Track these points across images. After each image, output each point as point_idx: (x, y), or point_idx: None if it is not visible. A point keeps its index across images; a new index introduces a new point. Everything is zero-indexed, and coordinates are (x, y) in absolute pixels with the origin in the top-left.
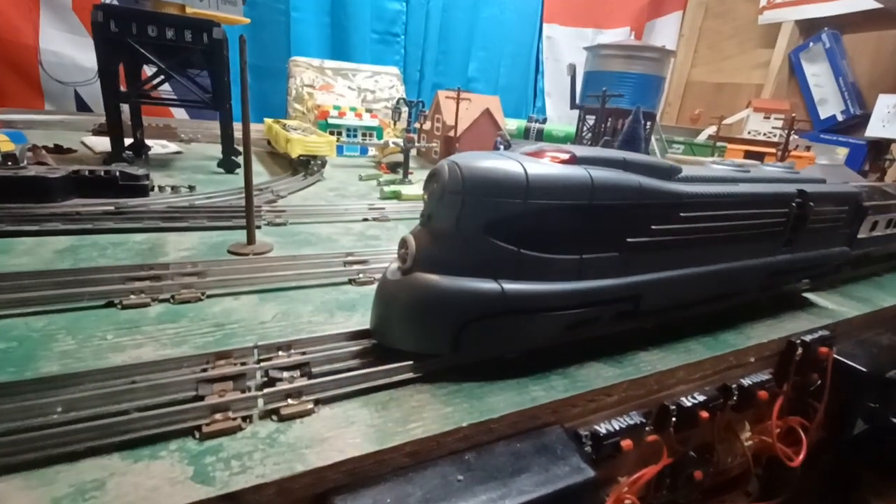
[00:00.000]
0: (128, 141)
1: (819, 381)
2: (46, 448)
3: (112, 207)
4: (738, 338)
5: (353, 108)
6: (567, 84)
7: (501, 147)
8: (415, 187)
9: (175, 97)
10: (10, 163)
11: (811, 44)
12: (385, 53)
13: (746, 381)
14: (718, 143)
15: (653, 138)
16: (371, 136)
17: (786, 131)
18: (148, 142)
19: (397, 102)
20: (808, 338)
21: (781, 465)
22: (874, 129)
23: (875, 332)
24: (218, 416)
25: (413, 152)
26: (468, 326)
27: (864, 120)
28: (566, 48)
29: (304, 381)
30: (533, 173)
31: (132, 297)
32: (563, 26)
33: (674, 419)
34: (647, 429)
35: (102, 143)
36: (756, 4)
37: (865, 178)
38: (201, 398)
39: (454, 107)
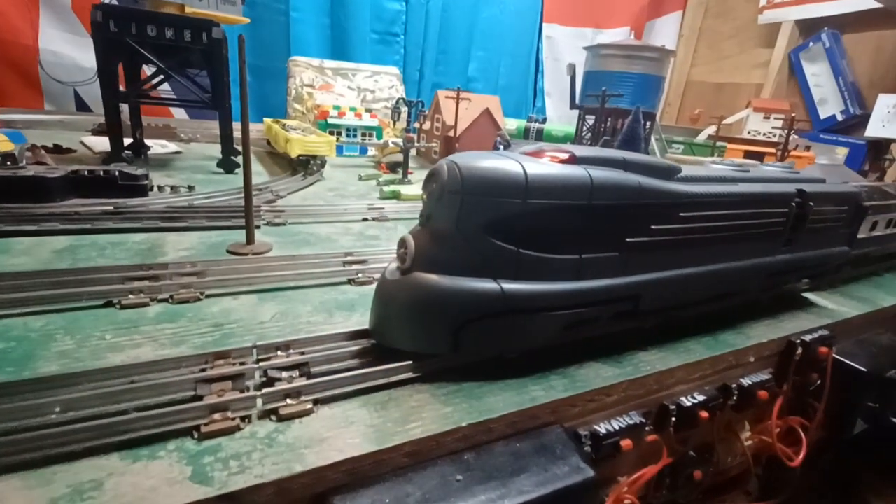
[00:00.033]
0: (127, 141)
1: (819, 381)
2: (44, 448)
3: (111, 207)
4: (737, 338)
5: (352, 108)
6: (567, 84)
7: (501, 147)
8: (414, 187)
9: (174, 97)
10: (9, 162)
11: (811, 43)
12: (385, 53)
13: (746, 381)
14: (718, 143)
15: (652, 138)
16: (371, 135)
17: (785, 131)
18: (147, 142)
19: (397, 102)
20: (807, 337)
21: (781, 464)
22: (874, 129)
23: (875, 331)
24: (216, 416)
25: (413, 152)
26: (467, 326)
27: (863, 120)
28: (566, 48)
29: (302, 381)
30: (532, 173)
31: (131, 296)
32: (563, 26)
33: (673, 419)
34: (646, 429)
35: (102, 143)
36: (756, 4)
37: (865, 178)
38: (200, 398)
39: (454, 107)
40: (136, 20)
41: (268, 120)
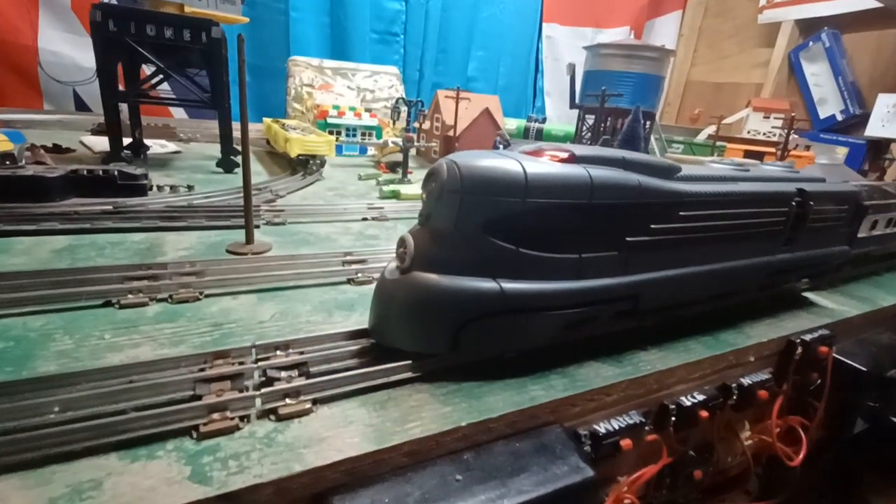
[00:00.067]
0: (126, 140)
1: (819, 381)
2: (43, 448)
3: (110, 207)
4: (737, 337)
5: (352, 108)
6: (567, 83)
7: (501, 146)
8: (414, 187)
9: (174, 97)
10: (8, 162)
11: (811, 43)
12: (384, 53)
13: (746, 381)
14: (718, 143)
15: (652, 138)
16: (370, 135)
17: (785, 131)
18: (147, 141)
19: (396, 102)
20: (808, 337)
21: (781, 464)
22: (874, 129)
23: (875, 331)
24: (215, 415)
25: (412, 152)
26: (467, 326)
27: (863, 119)
28: (566, 47)
29: (302, 381)
30: (532, 172)
31: (130, 296)
32: (563, 26)
33: (673, 418)
34: (646, 428)
35: (101, 143)
36: (756, 4)
37: (865, 178)
38: (199, 398)
39: (453, 106)
40: (135, 20)
41: (267, 120)
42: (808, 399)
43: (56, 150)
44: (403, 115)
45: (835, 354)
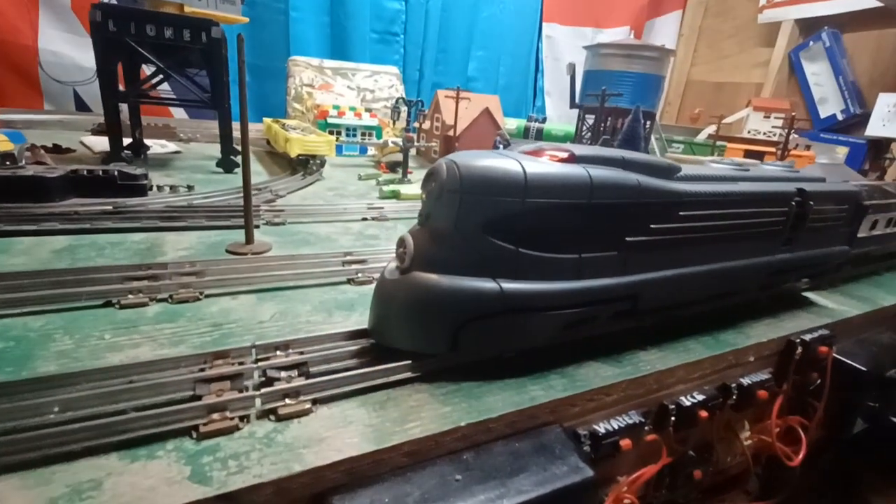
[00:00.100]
0: (127, 140)
1: (819, 381)
2: (43, 448)
3: (110, 207)
4: (737, 337)
5: (352, 108)
6: (567, 83)
7: (501, 146)
8: (414, 187)
9: (174, 97)
10: (8, 162)
11: (811, 43)
12: (384, 53)
13: (746, 381)
14: (718, 143)
15: (652, 137)
16: (370, 135)
17: (785, 130)
18: (147, 141)
19: (396, 102)
20: (807, 337)
21: (781, 464)
22: (874, 128)
23: (875, 330)
24: (215, 415)
25: (412, 152)
26: (466, 326)
27: (864, 119)
28: (566, 47)
29: (301, 381)
30: (531, 172)
31: (130, 296)
32: (563, 25)
33: (673, 418)
34: (646, 428)
35: (101, 143)
36: (756, 3)
37: (865, 177)
38: (199, 398)
39: (453, 106)
40: (135, 20)
41: (267, 120)
42: (808, 399)
43: (56, 150)
44: (403, 115)
45: (835, 354)
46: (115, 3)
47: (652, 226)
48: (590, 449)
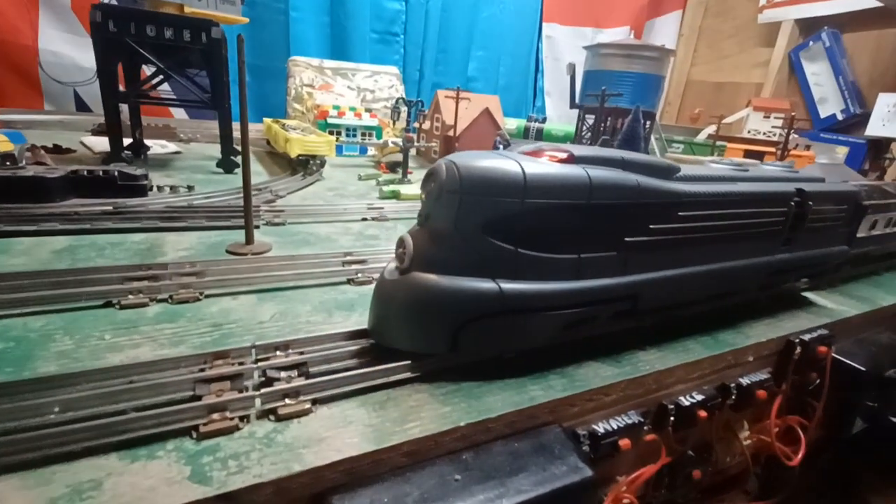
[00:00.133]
0: (127, 141)
1: (818, 380)
2: (43, 448)
3: (110, 207)
4: (736, 337)
5: (352, 108)
6: (567, 83)
7: (501, 146)
8: (414, 187)
9: (174, 97)
10: (8, 163)
11: (811, 43)
12: (384, 53)
13: (745, 381)
14: (718, 143)
15: (652, 137)
16: (370, 135)
17: (785, 130)
18: (147, 142)
19: (396, 102)
20: (806, 337)
21: (780, 464)
22: (874, 128)
23: (874, 330)
24: (215, 415)
25: (412, 152)
26: (466, 326)
27: (864, 119)
28: (566, 47)
29: (301, 381)
30: (531, 173)
31: (130, 297)
32: (563, 25)
33: (672, 418)
34: (645, 428)
35: (101, 143)
36: (756, 3)
37: (865, 177)
38: (199, 398)
39: (453, 106)
40: (135, 20)
41: (267, 120)
42: (807, 399)
43: (56, 150)
44: (403, 115)
45: (834, 354)
46: (116, 3)
47: (651, 226)
48: (589, 449)
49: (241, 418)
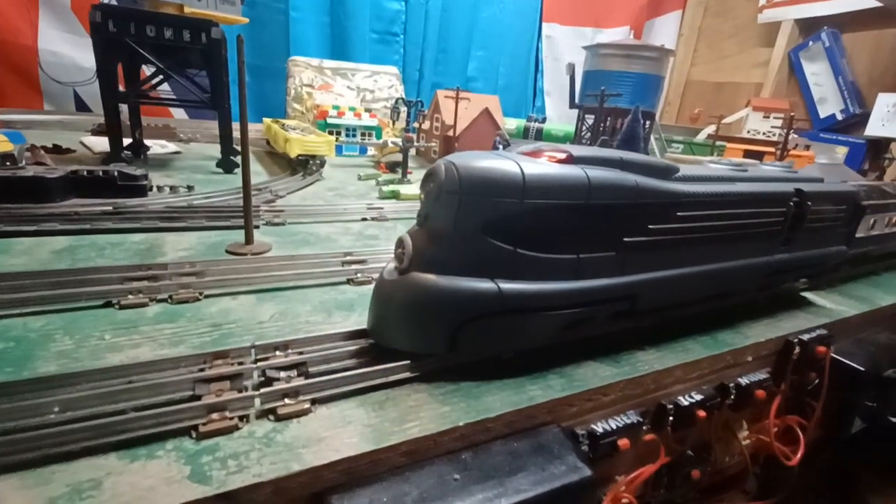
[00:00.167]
0: (127, 141)
1: (817, 380)
2: (43, 448)
3: (110, 207)
4: (735, 337)
5: (352, 108)
6: (566, 83)
7: (500, 146)
8: (413, 187)
9: (174, 97)
10: (8, 163)
11: (811, 42)
12: (384, 53)
13: (744, 381)
14: (718, 143)
15: (652, 137)
16: (370, 135)
17: (785, 130)
18: (147, 142)
19: (396, 102)
20: (805, 337)
21: (779, 463)
22: (874, 128)
23: (873, 330)
24: (215, 415)
25: (412, 152)
26: (465, 326)
27: (863, 119)
28: (565, 47)
29: (301, 381)
30: (529, 173)
31: (130, 297)
32: (563, 25)
33: (671, 418)
34: (644, 428)
35: (101, 144)
36: (755, 3)
37: (865, 177)
38: (198, 398)
39: (453, 106)
40: (135, 20)
41: (267, 120)
42: (806, 399)
43: (56, 150)
44: (403, 115)
45: (833, 354)
46: (115, 3)
47: (650, 226)
48: (588, 448)
49: (241, 418)
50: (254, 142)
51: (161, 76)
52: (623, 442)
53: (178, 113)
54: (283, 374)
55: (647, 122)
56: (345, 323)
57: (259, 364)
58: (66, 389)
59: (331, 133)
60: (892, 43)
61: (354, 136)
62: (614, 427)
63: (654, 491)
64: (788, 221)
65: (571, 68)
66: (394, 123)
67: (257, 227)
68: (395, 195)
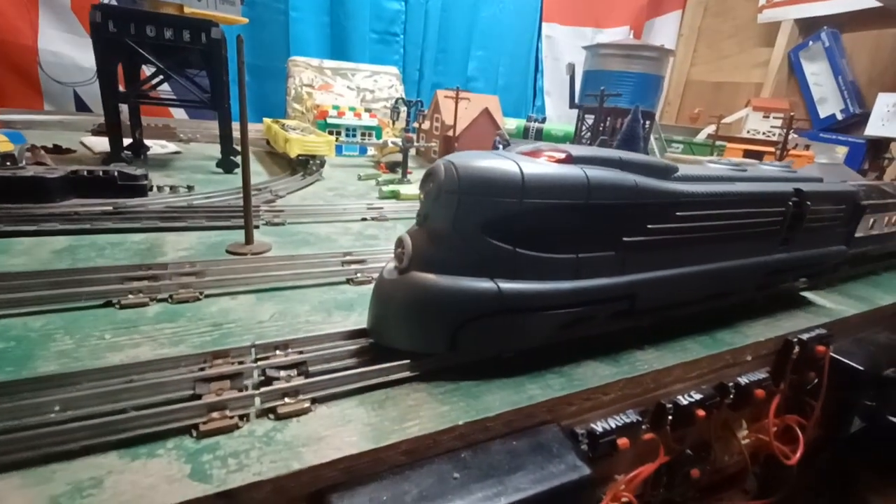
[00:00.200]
0: (127, 141)
1: (816, 380)
2: (44, 446)
3: (110, 207)
4: (735, 336)
5: (352, 108)
6: (566, 83)
7: (500, 146)
8: (413, 187)
9: (174, 97)
10: (8, 163)
11: (810, 42)
12: (384, 53)
13: (743, 380)
14: (717, 143)
15: (652, 137)
16: (370, 135)
17: (785, 130)
18: (147, 142)
19: (396, 102)
20: (805, 336)
21: (779, 463)
22: (873, 128)
23: (872, 330)
24: (215, 414)
25: (412, 152)
26: (465, 326)
27: (863, 118)
28: (565, 47)
29: (300, 380)
30: (529, 173)
31: (130, 296)
32: (563, 25)
33: (670, 417)
34: (643, 427)
35: (101, 144)
36: (755, 3)
37: (865, 177)
38: (198, 397)
39: (453, 106)
40: (135, 20)
41: (267, 120)
42: (806, 398)
43: (56, 150)
44: (403, 115)
45: (832, 354)
46: (116, 3)
47: (649, 226)
48: (587, 447)
49: (241, 417)
50: (254, 142)
51: (161, 76)
52: (622, 441)
53: (178, 113)
54: (283, 373)
55: (647, 122)
56: (344, 322)
57: (259, 363)
58: (66, 388)
59: (331, 133)
60: (892, 43)
61: (354, 136)
62: (613, 426)
63: (654, 490)
64: (787, 221)
65: (571, 68)
66: (394, 123)
67: (257, 227)
68: (394, 195)
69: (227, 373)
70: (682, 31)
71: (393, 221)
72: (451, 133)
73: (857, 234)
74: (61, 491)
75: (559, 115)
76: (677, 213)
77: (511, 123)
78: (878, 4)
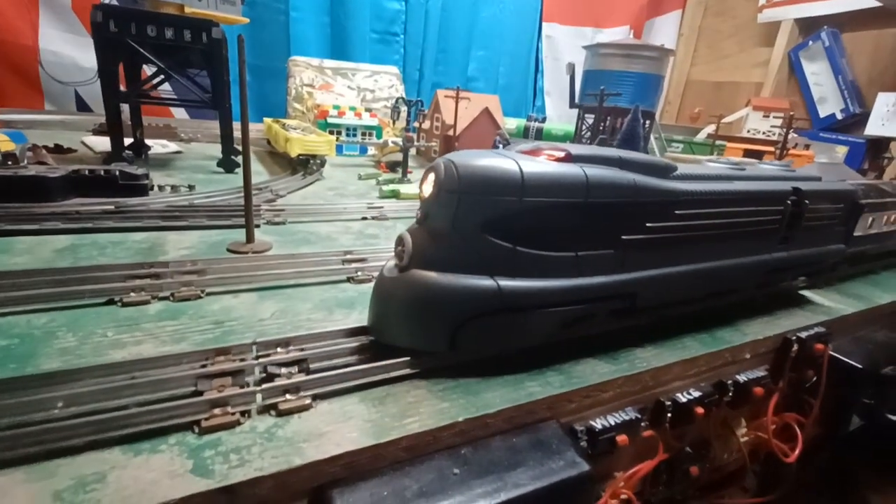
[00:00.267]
0: (128, 140)
1: (815, 378)
2: (47, 442)
3: (112, 207)
4: (733, 334)
5: (352, 108)
6: (566, 83)
7: (500, 146)
8: (413, 186)
9: (175, 97)
10: (10, 162)
11: (810, 42)
12: (384, 53)
13: (742, 378)
14: (718, 142)
15: (652, 137)
16: (370, 135)
17: (785, 130)
18: (148, 141)
19: (396, 102)
20: (803, 334)
21: (777, 461)
22: (873, 128)
23: (871, 328)
24: (217, 410)
25: (412, 151)
26: (464, 324)
27: (863, 118)
28: (566, 47)
29: (302, 377)
30: (528, 171)
31: (132, 294)
32: (563, 25)
33: (669, 415)
34: (642, 424)
35: (102, 143)
36: (755, 3)
37: (864, 177)
38: (200, 393)
39: (453, 106)
40: (135, 20)
41: (268, 119)
42: (804, 396)
43: (57, 150)
44: (403, 114)
45: (831, 352)
46: (116, 3)
47: (648, 224)
48: (587, 444)
49: (243, 413)
50: (254, 141)
51: (162, 76)
52: (622, 438)
53: (179, 113)
54: (284, 370)
55: (647, 122)
56: (345, 320)
57: (260, 360)
58: (69, 385)
59: (331, 133)
60: (892, 43)
61: (355, 135)
62: (613, 423)
63: (653, 487)
64: (786, 220)
65: (571, 68)
66: (394, 123)
67: (258, 226)
68: (395, 194)
69: (229, 370)
70: (682, 31)
71: (393, 220)
72: (451, 133)
73: (855, 233)
74: (65, 486)
75: (559, 115)
76: (676, 212)
77: (511, 123)
78: (878, 4)
